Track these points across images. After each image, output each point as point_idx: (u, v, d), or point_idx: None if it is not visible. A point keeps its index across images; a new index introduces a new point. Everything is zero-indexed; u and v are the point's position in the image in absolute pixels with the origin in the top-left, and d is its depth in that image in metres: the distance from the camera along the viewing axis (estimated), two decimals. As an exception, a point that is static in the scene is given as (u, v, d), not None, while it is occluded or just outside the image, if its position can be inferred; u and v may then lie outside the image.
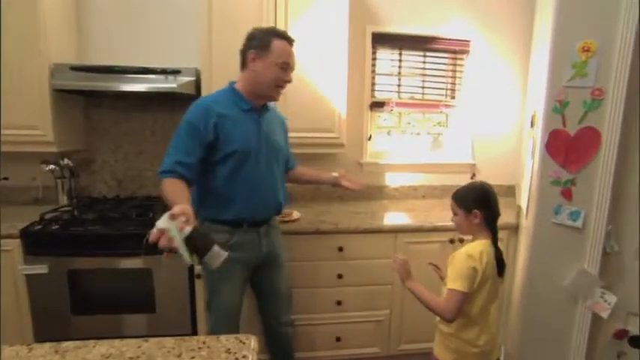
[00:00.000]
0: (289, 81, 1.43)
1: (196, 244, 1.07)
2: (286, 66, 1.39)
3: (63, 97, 1.94)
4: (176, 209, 1.06)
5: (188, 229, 1.05)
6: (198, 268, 1.73)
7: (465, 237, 1.97)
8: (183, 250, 1.04)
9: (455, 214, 1.38)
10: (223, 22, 1.91)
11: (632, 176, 1.59)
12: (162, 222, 1.05)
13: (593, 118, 1.58)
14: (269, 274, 1.59)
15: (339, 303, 1.96)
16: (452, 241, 1.98)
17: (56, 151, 1.93)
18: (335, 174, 1.80)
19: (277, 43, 1.37)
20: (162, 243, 1.03)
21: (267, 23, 1.94)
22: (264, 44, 1.37)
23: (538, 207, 1.71)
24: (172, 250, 1.04)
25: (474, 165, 2.57)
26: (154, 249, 1.04)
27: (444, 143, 2.65)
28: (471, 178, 2.55)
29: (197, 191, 1.45)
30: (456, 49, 2.47)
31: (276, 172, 1.52)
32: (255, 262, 1.53)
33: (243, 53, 1.42)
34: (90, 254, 1.71)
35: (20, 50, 1.79)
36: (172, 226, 1.04)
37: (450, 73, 2.51)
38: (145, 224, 1.74)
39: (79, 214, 1.87)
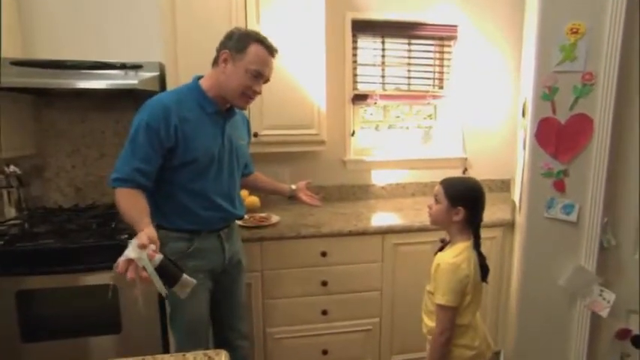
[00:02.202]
0: (258, 92, 1.40)
1: (167, 273, 1.10)
2: (259, 75, 1.36)
3: (4, 96, 1.86)
4: (144, 237, 1.07)
5: (159, 257, 1.08)
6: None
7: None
8: (156, 281, 1.06)
9: (437, 202, 1.37)
10: (188, 9, 1.88)
11: (627, 165, 1.62)
12: (132, 252, 1.05)
13: (584, 104, 1.61)
14: (230, 281, 1.58)
15: (324, 312, 1.95)
16: (443, 241, 1.98)
17: (0, 158, 1.85)
18: (293, 186, 1.87)
19: (255, 49, 1.35)
20: (131, 275, 1.04)
21: (236, 10, 1.93)
22: (241, 47, 1.34)
23: (530, 201, 1.73)
24: (143, 281, 1.06)
25: (465, 159, 2.59)
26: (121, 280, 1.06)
27: (433, 137, 2.66)
28: (463, 173, 2.58)
29: (153, 196, 1.41)
30: (443, 36, 2.49)
31: (237, 177, 1.53)
32: (218, 269, 1.51)
33: (218, 51, 1.39)
34: (43, 272, 1.63)
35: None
36: (143, 255, 1.05)
37: (437, 62, 2.54)
38: (107, 235, 1.68)
39: (29, 227, 1.80)
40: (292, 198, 1.87)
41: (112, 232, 1.71)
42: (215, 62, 1.40)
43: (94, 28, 2.08)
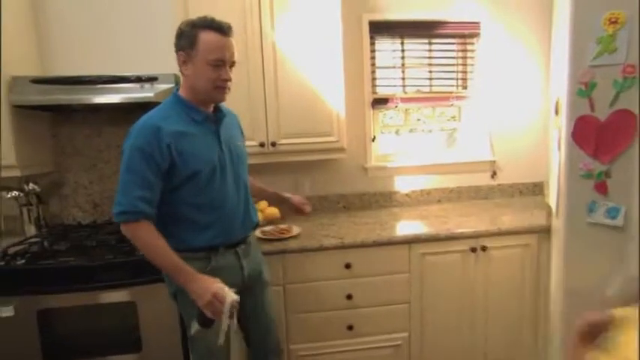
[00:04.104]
0: (228, 79, 1.33)
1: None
2: (220, 63, 1.30)
3: (24, 114, 1.91)
4: (232, 294, 1.26)
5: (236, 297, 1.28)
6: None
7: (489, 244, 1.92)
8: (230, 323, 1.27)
9: None
10: None
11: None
12: (233, 294, 1.26)
13: (626, 99, 1.53)
14: (253, 297, 1.54)
15: (350, 328, 1.91)
16: (473, 250, 1.94)
17: (20, 176, 1.89)
18: (287, 195, 1.80)
19: (204, 37, 1.28)
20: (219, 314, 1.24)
21: (250, 18, 1.93)
22: (191, 41, 1.29)
23: (569, 205, 1.66)
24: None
25: (493, 162, 2.52)
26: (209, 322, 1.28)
27: (458, 140, 2.61)
28: (492, 177, 2.51)
29: (161, 218, 1.35)
30: (465, 33, 2.44)
31: (244, 182, 1.49)
32: (238, 287, 1.45)
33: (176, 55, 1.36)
34: (63, 290, 1.65)
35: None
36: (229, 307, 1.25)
37: (460, 61, 2.49)
38: (126, 252, 1.69)
39: (49, 244, 1.82)
40: (283, 202, 1.81)
41: (131, 249, 1.71)
42: (180, 69, 1.37)
43: (109, 42, 2.13)
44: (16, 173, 1.86)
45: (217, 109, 1.44)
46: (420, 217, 2.21)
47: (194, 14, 1.82)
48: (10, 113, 1.81)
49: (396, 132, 2.61)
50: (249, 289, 1.52)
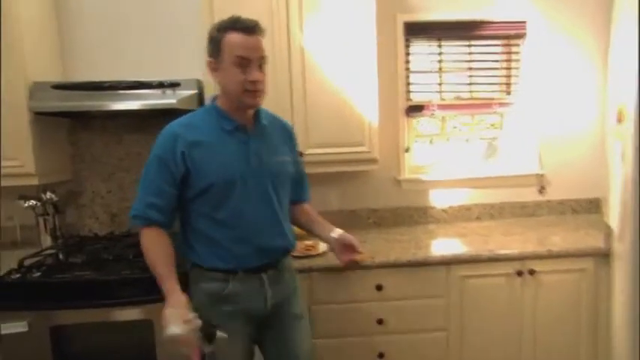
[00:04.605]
0: (256, 80, 1.30)
1: (205, 334, 1.22)
2: (244, 62, 1.28)
3: (44, 120, 1.96)
4: (184, 311, 1.22)
5: (198, 322, 1.21)
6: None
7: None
8: (200, 345, 1.22)
9: None
10: None
11: None
12: (177, 328, 1.18)
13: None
14: (282, 332, 1.48)
15: (380, 356, 1.87)
16: (520, 274, 1.87)
17: (37, 184, 1.95)
18: (335, 235, 1.54)
19: (228, 38, 1.29)
20: (186, 351, 1.19)
21: (278, 18, 1.95)
22: (216, 45, 1.31)
23: (637, 225, 1.55)
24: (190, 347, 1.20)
25: (541, 176, 2.44)
26: None
27: (501, 150, 2.55)
28: (539, 192, 2.43)
29: (182, 230, 1.42)
30: (510, 34, 2.40)
31: (277, 202, 1.41)
32: (258, 316, 1.43)
33: None
34: (78, 306, 1.66)
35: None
36: (188, 329, 1.19)
37: (504, 64, 2.45)
38: (143, 267, 1.65)
39: (64, 257, 1.86)
40: (329, 245, 1.63)
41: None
42: (212, 77, 1.38)
43: (132, 47, 2.19)
44: (34, 182, 1.91)
45: (256, 117, 1.41)
46: (458, 236, 2.16)
47: (219, 17, 1.86)
48: (29, 120, 1.87)
49: (430, 141, 2.56)
50: (273, 321, 1.46)
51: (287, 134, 1.53)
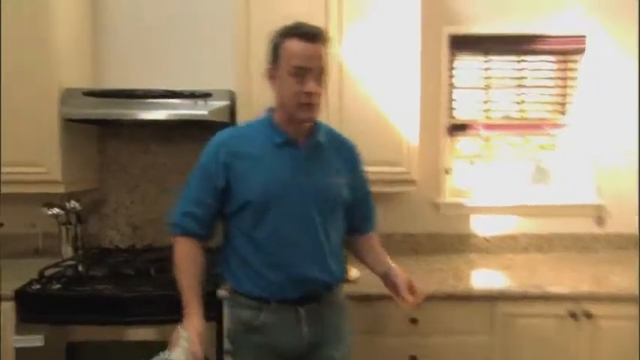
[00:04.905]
0: (311, 92, 1.26)
1: None
2: (301, 71, 1.25)
3: (74, 127, 2.03)
4: (196, 344, 1.22)
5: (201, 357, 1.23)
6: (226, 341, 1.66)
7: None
8: None
9: None
10: (263, 31, 1.90)
11: None
12: (182, 355, 1.20)
13: None
14: None
15: (412, 397, 1.80)
16: (573, 316, 1.77)
17: (63, 192, 2.00)
18: (387, 272, 1.45)
19: (287, 45, 1.27)
20: None
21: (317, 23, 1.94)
22: (275, 52, 1.30)
23: None
24: None
25: (599, 206, 2.36)
26: None
27: (552, 175, 2.49)
28: (597, 224, 2.34)
29: (222, 247, 1.43)
30: (566, 49, 2.37)
31: (322, 229, 1.35)
32: (292, 354, 1.37)
33: None
34: (96, 321, 1.69)
35: (24, 73, 1.89)
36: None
37: (559, 82, 2.41)
38: (165, 284, 1.70)
39: (84, 269, 1.89)
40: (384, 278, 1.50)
41: (171, 281, 1.68)
42: (270, 85, 1.37)
43: (163, 55, 2.26)
44: (60, 190, 1.97)
45: (312, 132, 1.37)
46: (502, 268, 2.11)
47: (256, 25, 1.94)
48: (59, 126, 1.94)
49: (471, 162, 2.53)
50: (310, 358, 1.38)
51: (348, 154, 1.46)
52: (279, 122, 1.36)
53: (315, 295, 1.36)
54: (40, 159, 1.92)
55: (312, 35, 1.26)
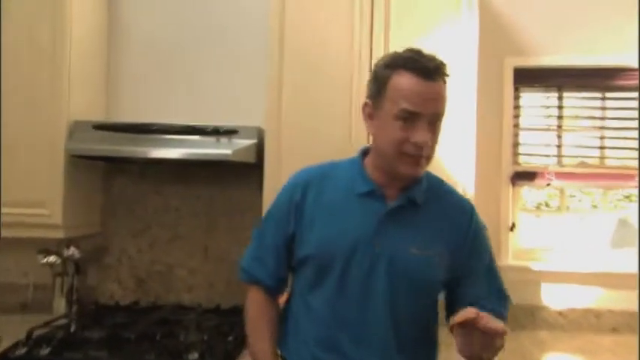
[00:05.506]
0: (421, 144, 1.12)
1: None
2: (411, 116, 1.12)
3: (79, 164, 2.04)
4: None
5: None
6: None
7: None
8: None
9: None
10: (299, 60, 1.95)
11: None
12: None
13: None
14: None
15: None
16: None
17: (61, 237, 2.00)
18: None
19: (396, 81, 1.13)
20: None
21: (359, 59, 1.94)
22: (381, 86, 1.17)
23: None
24: None
25: None
26: None
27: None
28: None
29: (282, 311, 1.37)
30: None
31: (392, 312, 1.19)
32: None
33: None
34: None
35: (30, 103, 1.93)
36: None
37: None
38: (172, 352, 1.64)
39: (78, 329, 1.85)
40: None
41: (180, 349, 1.67)
42: (365, 124, 1.28)
43: (183, 86, 2.30)
44: (59, 235, 1.97)
45: (412, 188, 1.23)
46: (582, 352, 1.99)
47: (290, 52, 1.93)
48: (64, 163, 1.96)
49: (539, 217, 2.45)
50: None
51: (458, 220, 1.27)
52: (369, 167, 1.25)
53: None
54: (40, 199, 1.93)
55: (431, 71, 1.12)
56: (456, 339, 1.07)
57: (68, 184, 1.97)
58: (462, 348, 1.07)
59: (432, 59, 1.13)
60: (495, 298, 1.27)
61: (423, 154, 1.13)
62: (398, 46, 1.96)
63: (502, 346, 1.03)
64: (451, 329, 1.07)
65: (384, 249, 1.18)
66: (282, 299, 1.36)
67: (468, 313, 1.00)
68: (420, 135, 1.11)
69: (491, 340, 1.01)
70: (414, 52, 1.15)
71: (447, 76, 1.15)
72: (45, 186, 1.93)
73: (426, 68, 1.11)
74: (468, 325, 1.01)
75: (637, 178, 2.25)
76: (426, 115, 1.11)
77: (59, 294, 2.12)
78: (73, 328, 1.87)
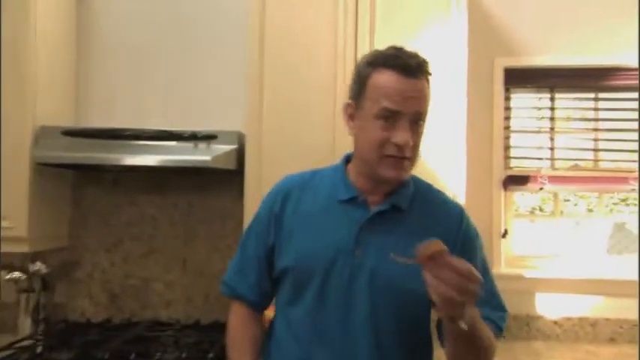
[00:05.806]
0: (403, 144, 1.12)
1: None
2: (392, 114, 1.11)
3: (46, 172, 2.03)
4: None
5: None
6: None
7: None
8: None
9: None
10: (280, 61, 1.96)
11: None
12: None
13: None
14: None
15: None
16: None
17: (27, 252, 1.97)
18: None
19: (377, 79, 1.14)
20: None
21: (343, 61, 1.95)
22: (361, 85, 1.18)
23: None
24: None
25: None
26: None
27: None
28: None
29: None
30: None
31: (374, 329, 1.17)
32: None
33: None
34: None
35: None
36: None
37: None
38: None
39: (45, 351, 1.82)
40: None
41: None
42: (346, 125, 1.28)
43: (159, 89, 2.29)
44: (24, 249, 1.94)
45: (396, 193, 1.22)
46: None
47: (270, 56, 1.94)
48: (30, 172, 1.94)
49: (531, 220, 2.45)
50: None
51: (446, 227, 1.22)
52: (352, 173, 1.26)
53: None
54: (4, 211, 1.90)
55: (412, 68, 1.12)
56: (427, 280, 0.93)
57: (34, 194, 1.95)
58: (434, 290, 0.92)
59: (413, 56, 1.14)
60: (489, 306, 1.21)
61: (405, 155, 1.13)
62: (384, 47, 2.01)
63: (476, 293, 0.91)
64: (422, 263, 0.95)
65: (365, 258, 1.16)
66: (268, 316, 1.36)
67: (433, 244, 0.94)
68: (400, 135, 1.11)
69: (466, 283, 0.89)
70: (395, 49, 1.16)
71: (430, 74, 1.16)
72: (9, 196, 1.90)
73: (407, 65, 1.12)
74: (438, 259, 0.93)
75: (633, 181, 2.28)
76: (408, 114, 1.12)
77: (24, 312, 2.09)
78: (39, 349, 1.84)
